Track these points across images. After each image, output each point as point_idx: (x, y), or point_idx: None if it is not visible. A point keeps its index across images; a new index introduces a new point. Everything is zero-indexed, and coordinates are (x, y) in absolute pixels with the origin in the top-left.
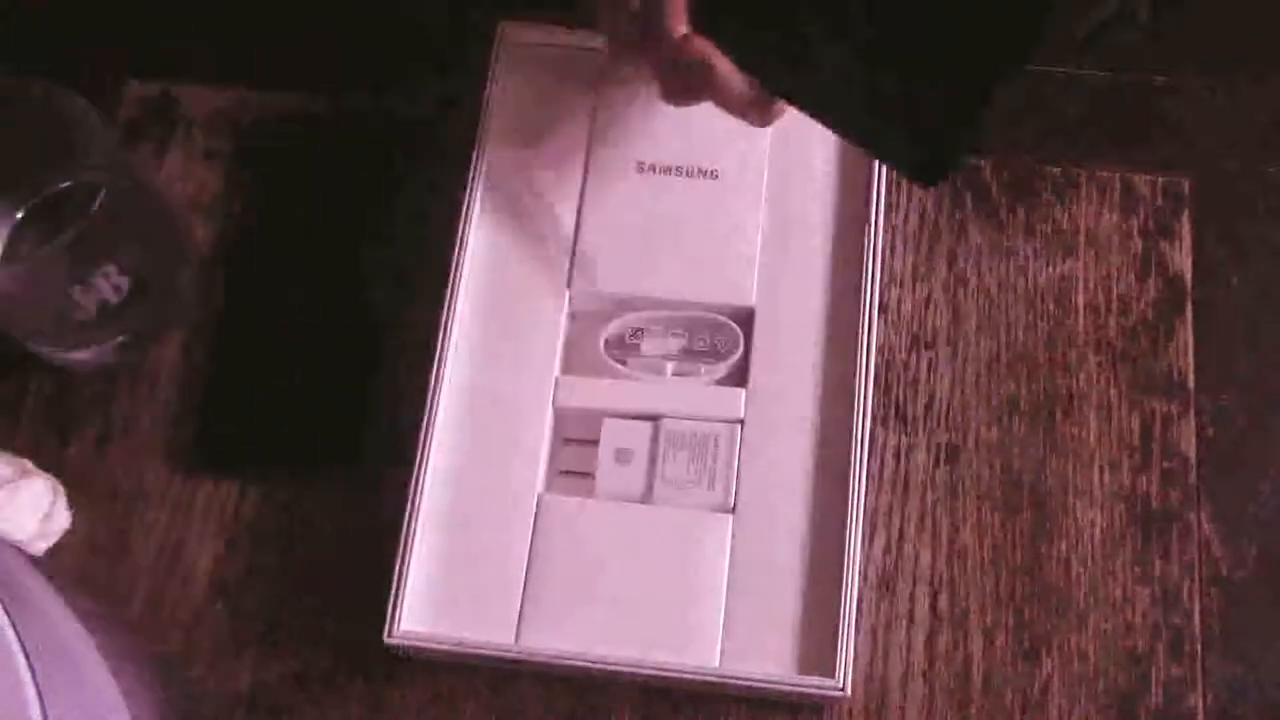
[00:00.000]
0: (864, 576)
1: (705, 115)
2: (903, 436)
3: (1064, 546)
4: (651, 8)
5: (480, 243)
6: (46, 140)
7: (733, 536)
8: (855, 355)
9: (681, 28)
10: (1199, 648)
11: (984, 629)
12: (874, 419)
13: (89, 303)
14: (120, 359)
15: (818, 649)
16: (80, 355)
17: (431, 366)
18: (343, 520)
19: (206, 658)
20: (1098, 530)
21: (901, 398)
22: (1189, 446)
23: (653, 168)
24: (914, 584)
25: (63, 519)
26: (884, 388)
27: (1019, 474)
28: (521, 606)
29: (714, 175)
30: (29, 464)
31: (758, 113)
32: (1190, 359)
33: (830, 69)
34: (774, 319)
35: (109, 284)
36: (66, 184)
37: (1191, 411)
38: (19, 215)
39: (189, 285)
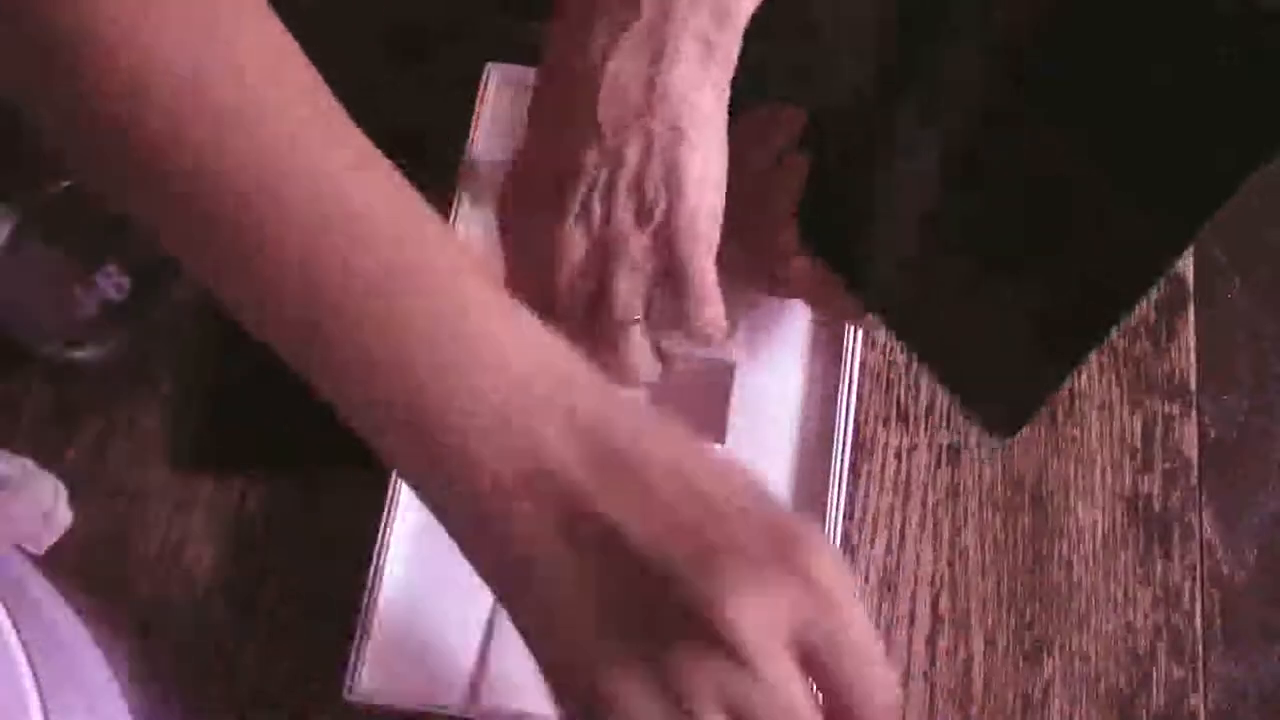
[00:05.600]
0: (865, 577)
1: None
2: (904, 437)
3: (1065, 547)
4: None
5: None
6: (47, 140)
7: None
8: (834, 415)
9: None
10: (1200, 648)
11: (985, 630)
12: (875, 420)
13: (90, 301)
14: (122, 357)
15: None
16: (82, 354)
17: None
18: (345, 519)
19: (207, 657)
20: (1099, 531)
21: (903, 398)
22: (1190, 447)
23: None
24: (915, 584)
25: (64, 518)
26: (885, 388)
27: (1020, 475)
28: (484, 666)
29: None
30: (30, 463)
31: (849, 318)
32: (1192, 360)
33: (932, 304)
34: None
35: (110, 282)
36: (68, 184)
37: (1193, 412)
38: (20, 215)
39: (191, 283)
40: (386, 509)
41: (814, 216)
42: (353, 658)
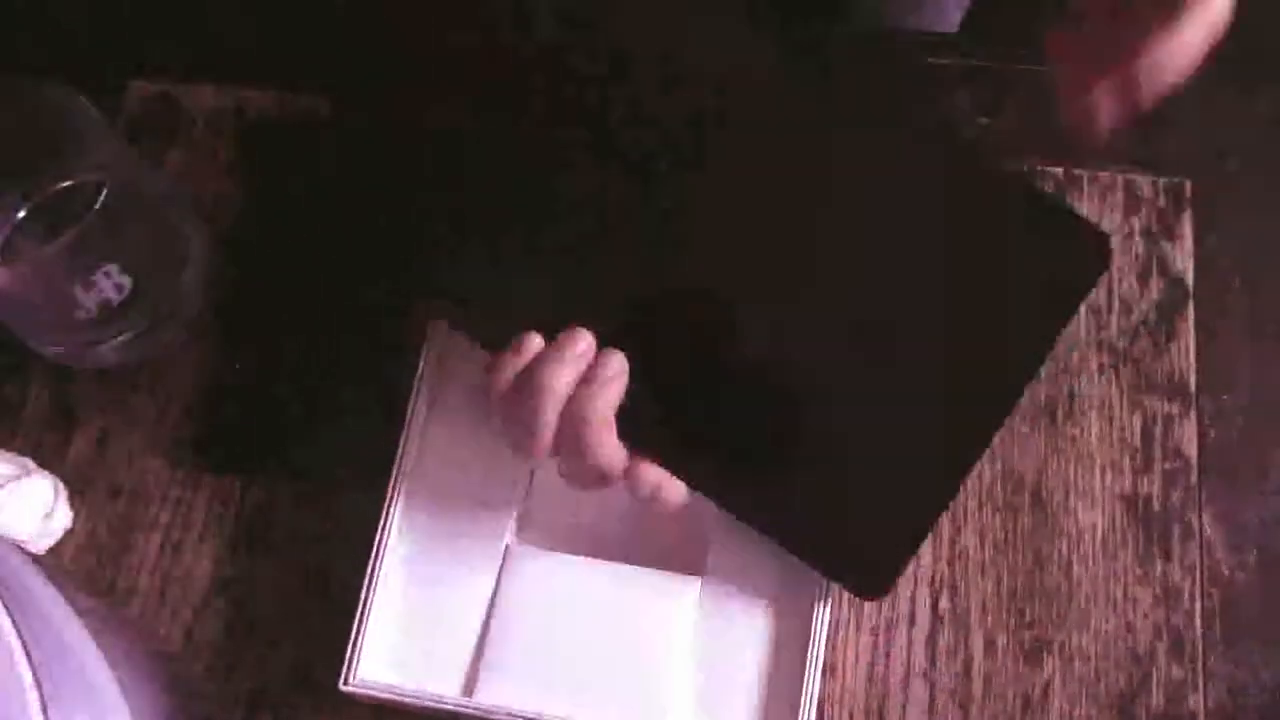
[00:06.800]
0: None
1: None
2: None
3: (1065, 547)
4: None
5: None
6: (47, 140)
7: (700, 599)
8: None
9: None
10: (1200, 648)
11: (985, 630)
12: None
13: (90, 302)
14: (122, 358)
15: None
16: (82, 354)
17: (407, 399)
18: (345, 519)
19: (207, 657)
20: (1099, 531)
21: None
22: (1190, 447)
23: None
24: (915, 584)
25: (64, 518)
26: None
27: (1020, 475)
28: (480, 660)
29: None
30: (30, 463)
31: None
32: (1192, 360)
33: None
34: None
35: (110, 283)
36: (67, 184)
37: (1193, 412)
38: (20, 215)
39: (190, 284)
40: (386, 506)
41: (636, 412)
42: (349, 648)
